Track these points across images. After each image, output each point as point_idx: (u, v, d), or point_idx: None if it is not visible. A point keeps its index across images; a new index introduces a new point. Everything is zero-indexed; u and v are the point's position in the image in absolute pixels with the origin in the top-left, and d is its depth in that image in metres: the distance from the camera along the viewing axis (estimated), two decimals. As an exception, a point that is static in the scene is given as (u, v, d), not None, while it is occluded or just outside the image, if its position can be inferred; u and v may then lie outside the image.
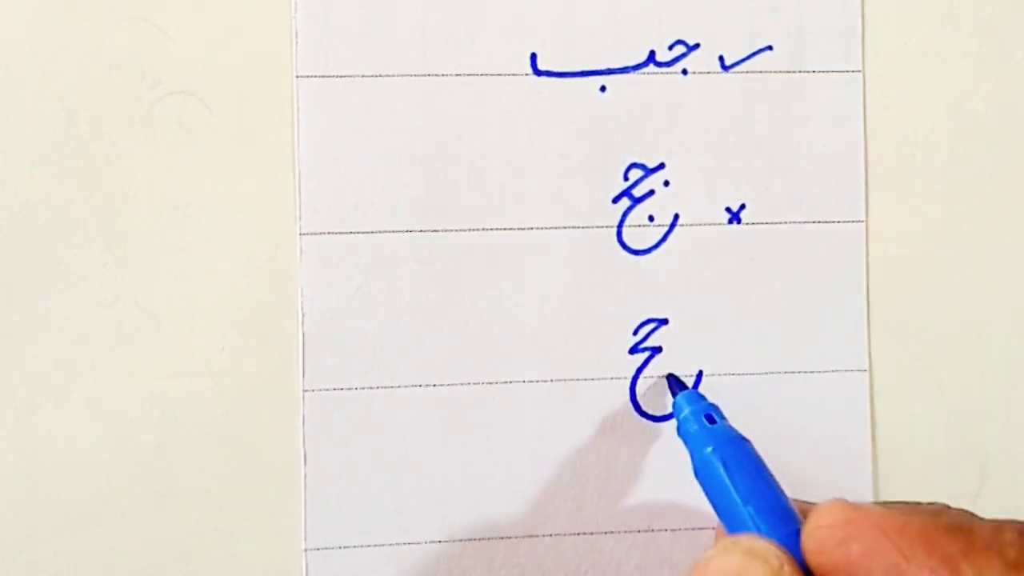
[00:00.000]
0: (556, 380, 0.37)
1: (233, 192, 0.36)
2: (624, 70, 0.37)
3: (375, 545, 0.36)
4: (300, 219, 0.36)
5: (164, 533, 0.36)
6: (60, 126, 0.36)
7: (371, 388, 0.36)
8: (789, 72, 0.38)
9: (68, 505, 0.36)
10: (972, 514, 0.29)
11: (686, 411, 0.35)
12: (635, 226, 0.37)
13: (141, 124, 0.36)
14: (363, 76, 0.36)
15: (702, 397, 0.35)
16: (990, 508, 0.39)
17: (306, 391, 0.36)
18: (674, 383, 0.37)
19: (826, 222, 0.38)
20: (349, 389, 0.36)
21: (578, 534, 0.37)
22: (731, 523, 0.31)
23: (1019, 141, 0.39)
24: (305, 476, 0.36)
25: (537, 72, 0.37)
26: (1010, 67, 0.39)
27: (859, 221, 0.38)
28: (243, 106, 0.36)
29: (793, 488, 0.32)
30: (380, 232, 0.36)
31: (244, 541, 0.36)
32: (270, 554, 0.36)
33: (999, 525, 0.27)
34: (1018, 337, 0.39)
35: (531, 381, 0.37)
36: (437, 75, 0.37)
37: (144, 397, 0.36)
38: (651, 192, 0.37)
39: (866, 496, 0.38)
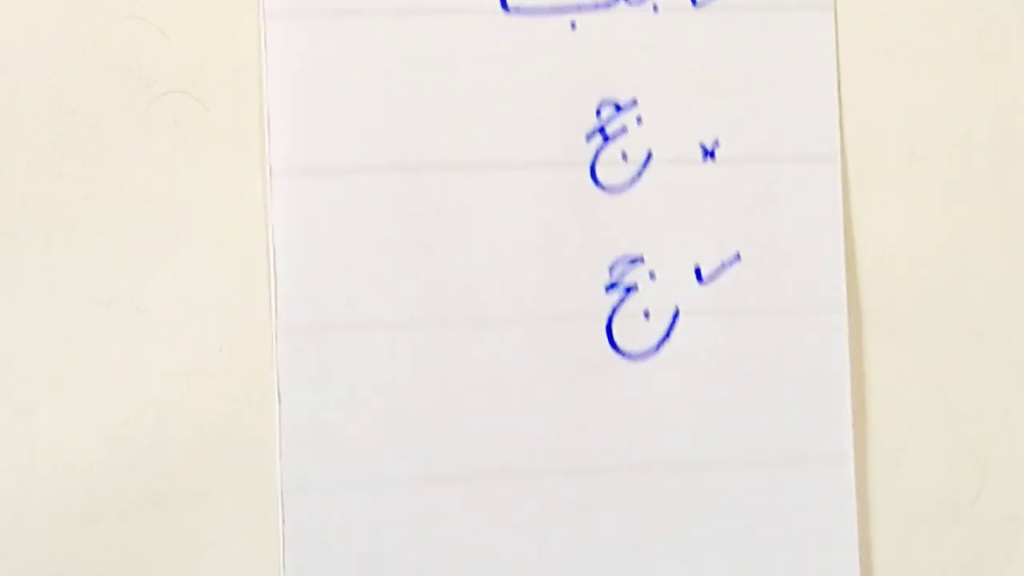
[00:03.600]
0: (532, 318, 0.37)
1: (232, 191, 0.36)
2: (595, 7, 0.37)
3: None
4: (270, 157, 0.36)
5: (161, 534, 0.36)
6: (57, 125, 0.36)
7: (343, 327, 0.36)
8: (761, 8, 0.37)
9: (65, 505, 0.36)
10: None
11: None
12: (608, 163, 0.37)
13: (138, 123, 0.36)
14: (334, 11, 0.36)
15: None
16: (990, 508, 0.39)
17: (279, 332, 0.36)
18: None
19: (801, 159, 0.38)
20: (322, 330, 0.36)
21: (555, 472, 0.37)
22: None
23: (1020, 138, 0.39)
24: (280, 416, 0.36)
25: (507, 9, 0.37)
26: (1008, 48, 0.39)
27: (833, 158, 0.38)
28: (240, 106, 0.36)
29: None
30: (351, 171, 0.36)
31: (243, 541, 0.36)
32: (270, 553, 0.36)
33: None
34: (1018, 337, 0.39)
35: (507, 319, 0.37)
36: (407, 11, 0.36)
37: (141, 397, 0.36)
38: (624, 129, 0.37)
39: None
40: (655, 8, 0.37)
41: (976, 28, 0.39)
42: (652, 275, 0.37)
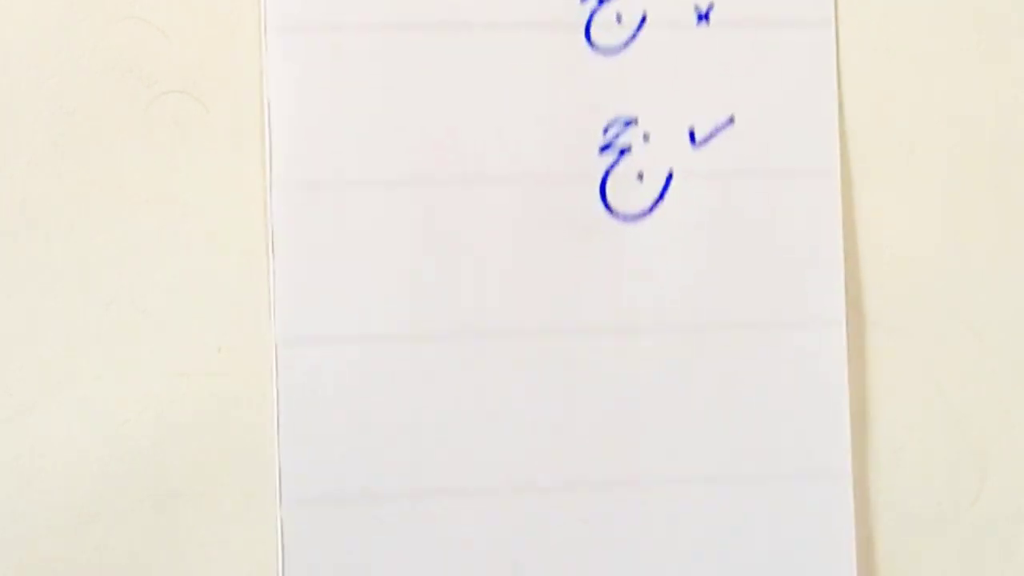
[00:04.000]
0: (525, 178, 0.37)
1: (231, 191, 0.36)
2: None
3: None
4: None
5: (160, 534, 0.36)
6: (57, 125, 0.36)
7: (342, 182, 0.36)
8: None
9: (63, 505, 0.36)
10: None
11: None
12: (603, 25, 0.37)
13: (138, 123, 0.36)
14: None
15: None
16: (990, 508, 0.39)
17: (272, 186, 0.36)
18: None
19: (796, 23, 0.38)
20: (321, 183, 0.36)
21: (548, 331, 0.37)
22: None
23: (1020, 138, 0.39)
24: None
25: None
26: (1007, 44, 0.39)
27: (828, 23, 0.38)
28: (241, 106, 0.36)
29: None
30: (347, 27, 0.36)
31: (242, 542, 0.36)
32: (269, 553, 0.36)
33: None
34: (1018, 337, 0.39)
35: (500, 179, 0.37)
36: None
37: (141, 397, 0.36)
38: None
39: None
40: None
41: (976, 28, 0.39)
42: (646, 137, 0.37)
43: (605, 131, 0.37)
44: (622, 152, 0.37)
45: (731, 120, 0.38)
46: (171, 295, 0.36)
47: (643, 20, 0.37)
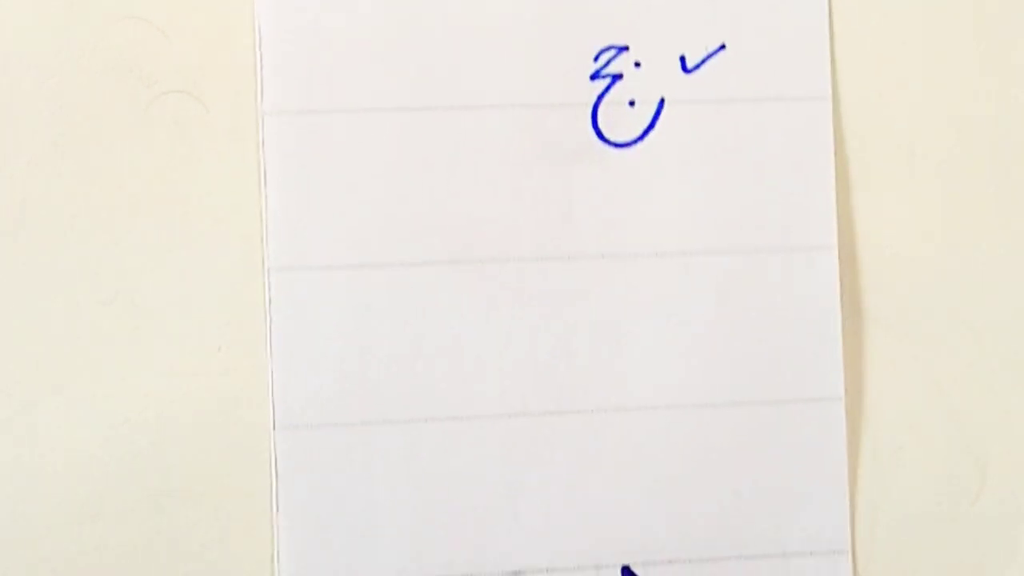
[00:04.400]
0: (517, 105, 0.37)
1: (231, 191, 0.36)
2: None
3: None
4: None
5: (161, 533, 0.36)
6: (57, 125, 0.36)
7: (332, 109, 0.36)
8: None
9: (63, 505, 0.36)
10: None
11: None
12: None
13: (138, 123, 0.36)
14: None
15: None
16: (990, 509, 0.39)
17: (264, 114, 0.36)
18: None
19: None
20: (312, 112, 0.36)
21: (540, 257, 0.37)
22: None
23: (1020, 138, 0.39)
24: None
25: None
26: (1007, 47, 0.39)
27: None
28: (240, 105, 0.36)
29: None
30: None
31: (241, 541, 0.36)
32: (266, 553, 0.36)
33: None
34: (1018, 337, 0.39)
35: (492, 106, 0.37)
36: None
37: (141, 397, 0.36)
38: None
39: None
40: None
41: (976, 28, 0.39)
42: (637, 64, 0.37)
43: (596, 58, 0.37)
44: (613, 79, 0.37)
45: (723, 47, 0.38)
46: (171, 295, 0.36)
47: None
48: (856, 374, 0.38)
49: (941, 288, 0.39)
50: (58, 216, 0.36)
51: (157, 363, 0.36)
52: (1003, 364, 0.39)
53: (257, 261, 0.36)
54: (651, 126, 0.38)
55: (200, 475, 0.36)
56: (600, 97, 0.37)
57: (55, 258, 0.36)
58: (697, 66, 0.38)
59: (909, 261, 0.39)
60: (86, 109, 0.36)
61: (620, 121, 0.37)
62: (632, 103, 0.37)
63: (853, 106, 0.39)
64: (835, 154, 0.38)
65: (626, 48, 0.37)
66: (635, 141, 0.38)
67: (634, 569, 0.36)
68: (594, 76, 0.37)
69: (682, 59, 0.38)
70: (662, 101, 0.38)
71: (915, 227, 0.39)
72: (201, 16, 0.36)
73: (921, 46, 0.39)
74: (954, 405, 0.39)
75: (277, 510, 0.36)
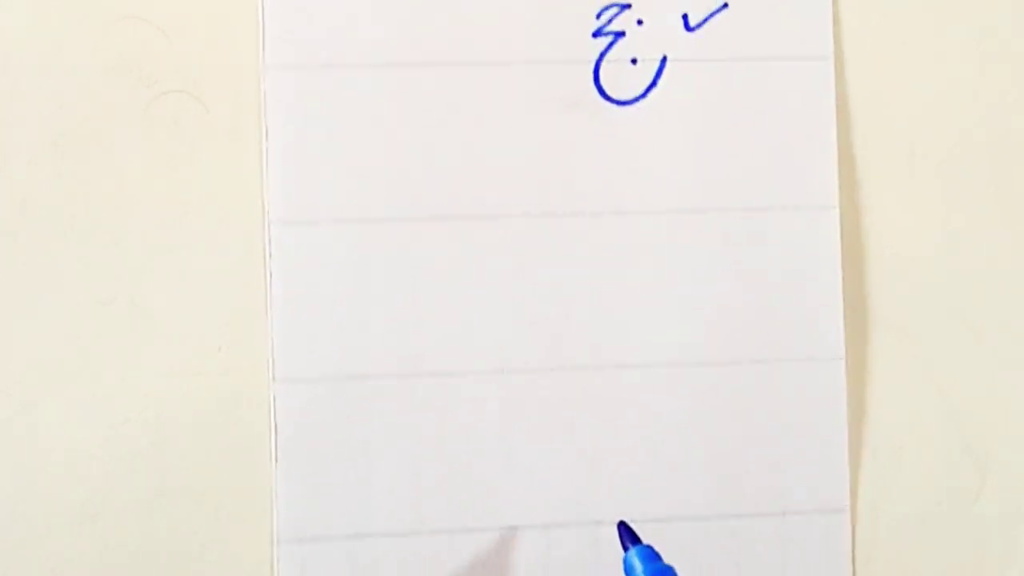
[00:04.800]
0: (521, 62, 0.37)
1: (231, 191, 0.36)
2: None
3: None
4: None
5: (160, 532, 0.36)
6: (57, 125, 0.36)
7: (335, 65, 0.36)
8: None
9: (64, 504, 0.36)
10: None
11: (639, 572, 0.33)
12: None
13: (138, 123, 0.36)
14: None
15: (658, 556, 0.33)
16: (990, 508, 0.39)
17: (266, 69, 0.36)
18: (625, 534, 0.34)
19: None
20: (315, 66, 0.36)
21: (543, 213, 0.37)
22: None
23: (1020, 138, 0.39)
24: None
25: None
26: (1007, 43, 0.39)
27: None
28: (240, 105, 0.36)
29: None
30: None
31: (241, 541, 0.36)
32: (266, 552, 0.36)
33: None
34: (1018, 337, 0.39)
35: (493, 63, 0.37)
36: None
37: (141, 397, 0.36)
38: None
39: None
40: None
41: (976, 28, 0.39)
42: (640, 22, 0.38)
43: (599, 16, 0.37)
44: (616, 37, 0.37)
45: (725, 5, 0.38)
46: (171, 295, 0.36)
47: None
48: (857, 374, 0.38)
49: (941, 288, 0.39)
50: (58, 216, 0.36)
51: (157, 363, 0.36)
52: (1003, 364, 0.39)
53: (257, 261, 0.36)
54: (653, 84, 0.38)
55: (200, 475, 0.36)
56: (602, 54, 0.37)
57: (55, 258, 0.36)
58: (699, 24, 0.38)
59: (909, 261, 0.39)
60: (86, 109, 0.36)
61: (622, 79, 0.38)
62: (634, 61, 0.38)
63: (854, 107, 0.39)
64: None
65: (628, 6, 0.37)
66: (637, 99, 0.38)
67: (632, 526, 0.36)
68: (596, 33, 0.37)
69: (684, 17, 0.38)
70: (664, 59, 0.38)
71: (915, 227, 0.39)
72: (201, 16, 0.36)
73: (922, 46, 0.39)
74: (954, 405, 0.39)
75: (276, 461, 0.36)
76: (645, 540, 0.33)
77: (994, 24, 0.39)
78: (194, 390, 0.36)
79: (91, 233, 0.36)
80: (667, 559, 0.33)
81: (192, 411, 0.36)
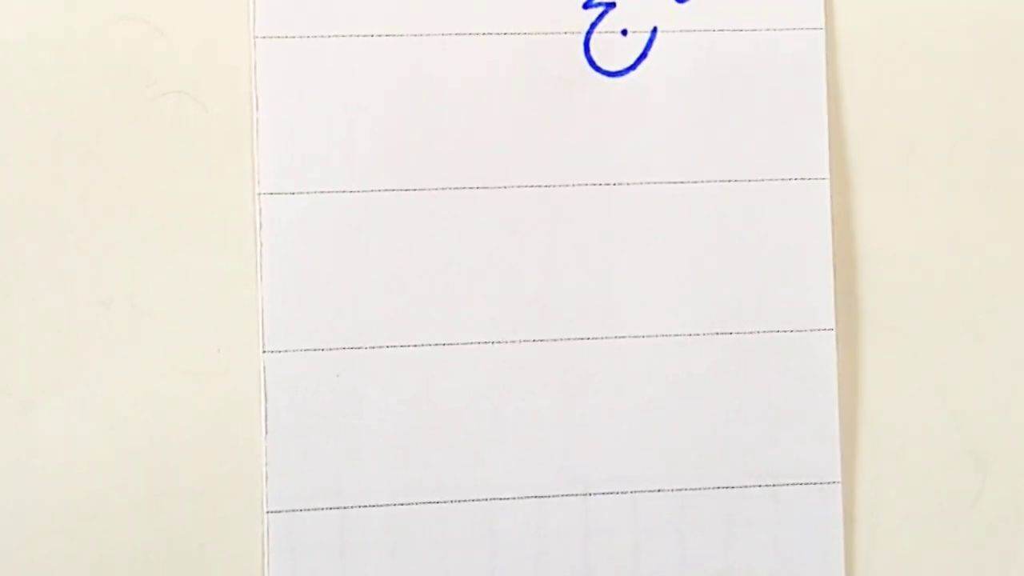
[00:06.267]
0: (509, 34, 0.37)
1: (231, 191, 0.36)
2: None
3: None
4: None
5: (159, 533, 0.36)
6: (55, 125, 0.36)
7: (324, 34, 0.36)
8: None
9: (63, 505, 0.36)
10: None
11: None
12: None
13: (137, 124, 0.36)
14: None
15: None
16: (990, 509, 0.39)
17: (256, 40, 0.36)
18: None
19: None
20: (304, 37, 0.36)
21: (531, 185, 0.37)
22: None
23: (1020, 139, 0.39)
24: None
25: None
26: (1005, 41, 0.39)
27: None
28: (240, 106, 0.36)
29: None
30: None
31: (241, 541, 0.36)
32: (267, 552, 0.36)
33: None
34: (1018, 337, 0.39)
35: (484, 34, 0.37)
36: None
37: (140, 397, 0.36)
38: None
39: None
40: None
41: (976, 28, 0.39)
42: None
43: None
44: (606, 8, 0.37)
45: None
46: (171, 295, 0.36)
47: None
48: (855, 375, 0.38)
49: (941, 288, 0.39)
50: (58, 216, 0.36)
51: (157, 364, 0.36)
52: (1003, 364, 0.39)
53: (256, 260, 0.36)
54: (643, 55, 0.38)
55: (199, 475, 0.36)
56: (593, 25, 0.37)
57: (55, 258, 0.36)
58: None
59: (909, 261, 0.39)
60: (86, 109, 0.36)
61: (612, 50, 0.37)
62: (624, 32, 0.38)
63: (853, 107, 0.39)
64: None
65: None
66: (627, 70, 0.38)
67: (623, 498, 0.36)
68: (587, 4, 0.37)
69: None
70: (655, 30, 0.38)
71: (915, 227, 0.39)
72: (200, 16, 0.36)
73: (921, 46, 0.39)
74: (954, 405, 0.39)
75: (266, 432, 0.36)
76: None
77: (994, 24, 0.39)
78: (194, 391, 0.36)
79: (91, 234, 0.36)
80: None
81: (192, 412, 0.36)
